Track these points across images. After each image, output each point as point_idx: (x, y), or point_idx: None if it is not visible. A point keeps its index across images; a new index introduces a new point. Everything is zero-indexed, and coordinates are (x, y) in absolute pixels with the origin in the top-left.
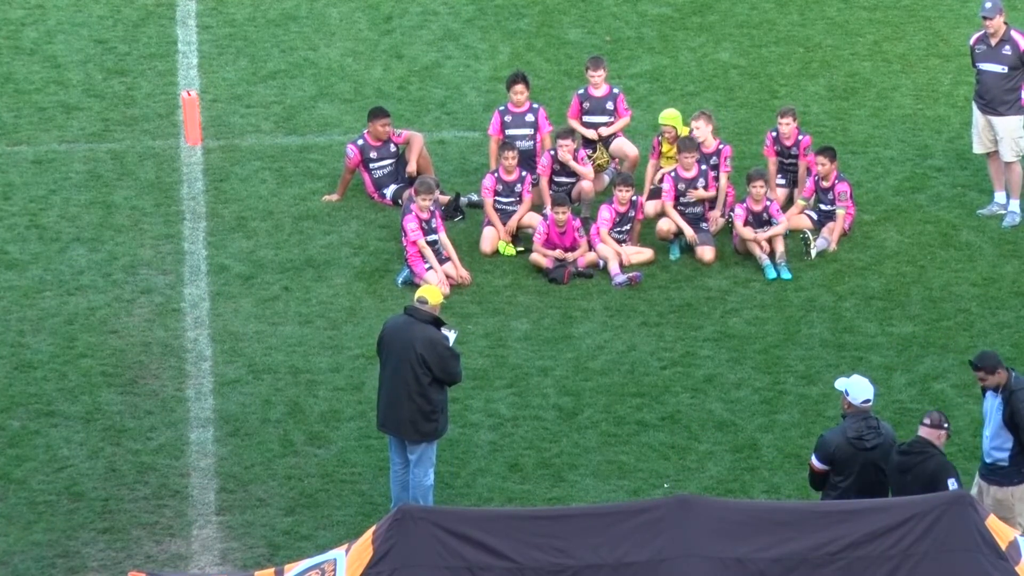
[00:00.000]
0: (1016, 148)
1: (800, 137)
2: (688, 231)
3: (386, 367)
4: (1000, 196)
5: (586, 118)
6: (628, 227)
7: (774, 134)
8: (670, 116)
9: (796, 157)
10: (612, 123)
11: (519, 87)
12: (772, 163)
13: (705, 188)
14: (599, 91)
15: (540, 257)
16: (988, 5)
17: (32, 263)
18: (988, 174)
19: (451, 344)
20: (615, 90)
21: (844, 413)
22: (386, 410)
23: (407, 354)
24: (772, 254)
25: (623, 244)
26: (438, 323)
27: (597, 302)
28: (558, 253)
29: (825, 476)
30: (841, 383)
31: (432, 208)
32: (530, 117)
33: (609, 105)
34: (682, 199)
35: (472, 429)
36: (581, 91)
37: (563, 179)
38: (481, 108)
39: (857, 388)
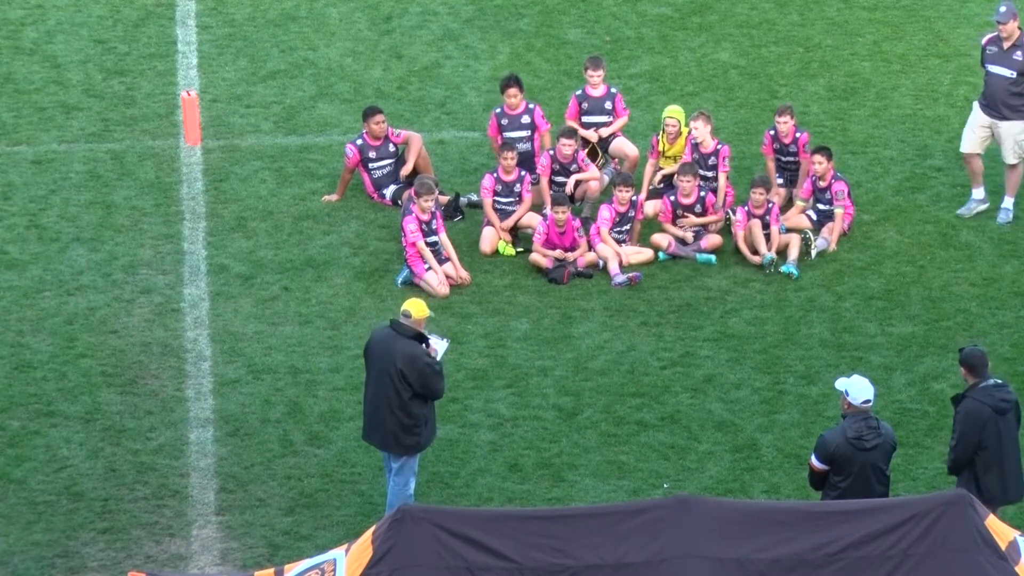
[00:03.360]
0: (1018, 151)
1: (798, 134)
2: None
3: (369, 379)
4: (977, 192)
5: (585, 119)
6: (628, 227)
7: (772, 132)
8: (674, 109)
9: (795, 155)
10: (611, 123)
11: (513, 90)
12: (770, 161)
13: (703, 212)
14: (597, 91)
15: (540, 257)
16: (1003, 10)
17: (32, 263)
18: (970, 171)
19: (441, 354)
20: (613, 90)
21: (844, 413)
22: (369, 422)
23: (387, 368)
24: (783, 255)
25: (623, 244)
26: (421, 338)
27: (597, 302)
28: (558, 253)
29: (825, 476)
30: (841, 383)
31: (433, 209)
32: (526, 119)
33: (608, 105)
34: (678, 220)
35: (472, 429)
36: (579, 92)
37: (562, 179)
38: (481, 108)
39: (857, 388)
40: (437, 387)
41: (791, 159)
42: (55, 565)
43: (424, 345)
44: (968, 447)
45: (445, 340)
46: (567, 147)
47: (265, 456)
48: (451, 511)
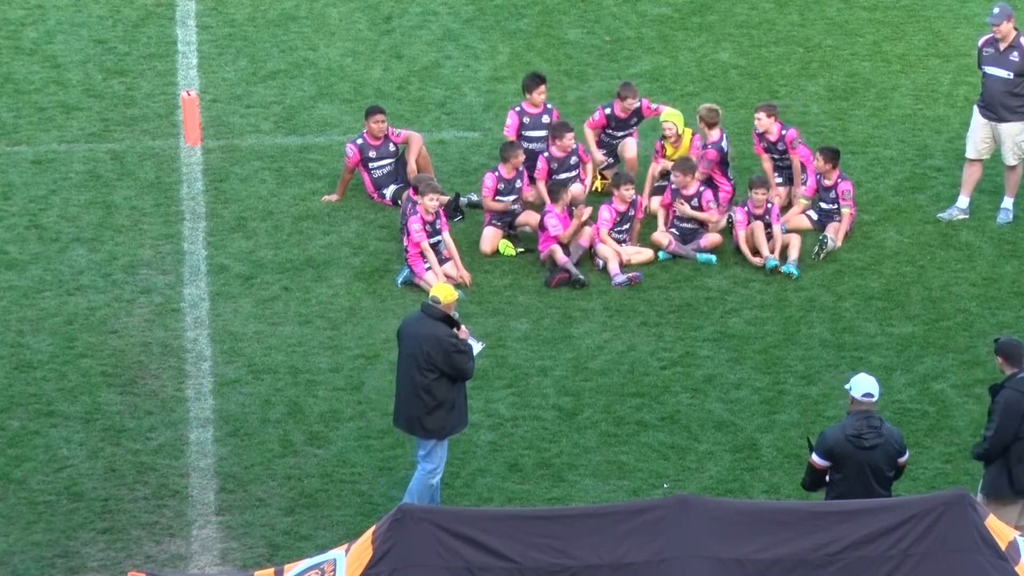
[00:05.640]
0: (1018, 152)
1: (784, 132)
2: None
3: (399, 363)
4: (962, 200)
5: (609, 130)
6: (628, 227)
7: (758, 133)
8: (671, 114)
9: (785, 153)
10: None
11: (543, 87)
12: (765, 162)
13: (698, 207)
14: (628, 113)
15: (558, 250)
16: (996, 11)
17: (32, 263)
18: (967, 176)
19: (477, 348)
20: (642, 102)
21: (849, 411)
22: (398, 406)
23: (414, 350)
24: (783, 257)
25: (623, 244)
26: (450, 321)
27: (597, 302)
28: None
29: (824, 473)
30: (850, 381)
31: (437, 208)
32: (546, 118)
33: (633, 120)
34: (677, 217)
35: (472, 429)
36: (608, 110)
37: (563, 175)
38: (481, 108)
39: (860, 382)
40: (465, 367)
41: (783, 157)
42: (55, 565)
43: (454, 328)
44: (1005, 437)
45: (480, 343)
46: (569, 138)
47: (265, 456)
48: (451, 511)
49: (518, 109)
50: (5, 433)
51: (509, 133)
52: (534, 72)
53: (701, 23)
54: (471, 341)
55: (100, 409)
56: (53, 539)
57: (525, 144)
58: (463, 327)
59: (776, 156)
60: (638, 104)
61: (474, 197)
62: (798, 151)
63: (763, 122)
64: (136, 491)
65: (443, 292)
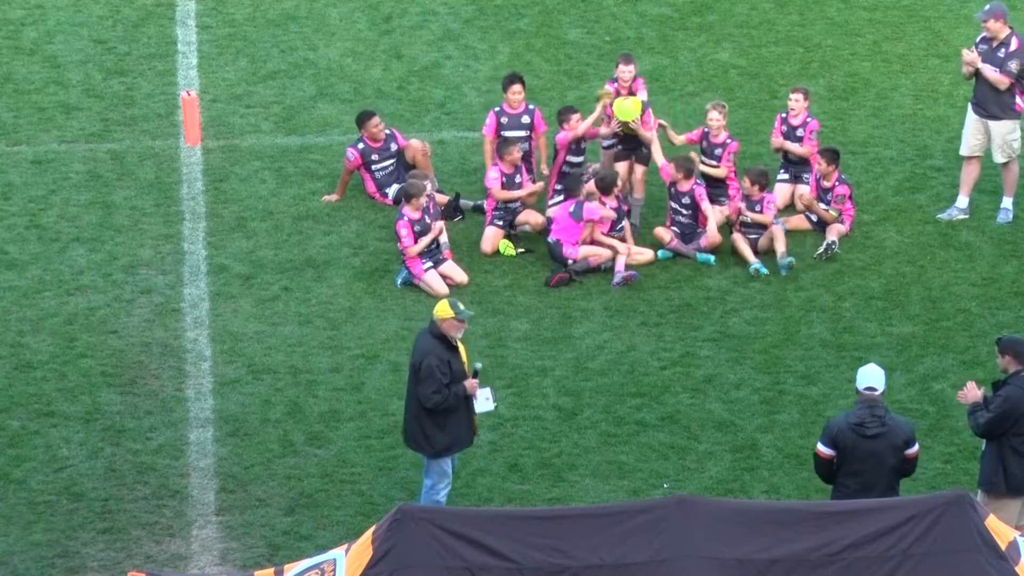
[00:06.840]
0: (1008, 150)
1: (808, 119)
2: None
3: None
4: (961, 200)
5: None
6: (622, 225)
7: (783, 115)
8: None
9: (801, 140)
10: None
11: (517, 87)
12: (775, 142)
13: (692, 203)
14: (627, 83)
15: (596, 249)
16: (987, 8)
17: (32, 263)
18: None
19: (480, 406)
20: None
21: (856, 402)
22: (405, 417)
23: (411, 363)
24: (770, 252)
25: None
26: (447, 343)
27: (597, 302)
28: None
29: (830, 463)
30: (857, 372)
31: (424, 204)
32: (526, 119)
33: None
34: (678, 212)
35: None
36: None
37: (575, 159)
38: (481, 108)
39: (863, 375)
40: (426, 391)
41: (797, 146)
42: (55, 565)
43: (451, 351)
44: (998, 428)
45: (491, 403)
46: (575, 119)
47: (265, 456)
48: (451, 511)
49: (497, 109)
50: (5, 433)
51: (488, 133)
52: (512, 72)
53: (701, 23)
54: (481, 395)
55: (100, 409)
56: (53, 539)
57: None
58: (475, 382)
59: (790, 144)
60: (633, 73)
61: (478, 202)
62: (812, 143)
63: (799, 103)
64: (136, 491)
65: (436, 308)
